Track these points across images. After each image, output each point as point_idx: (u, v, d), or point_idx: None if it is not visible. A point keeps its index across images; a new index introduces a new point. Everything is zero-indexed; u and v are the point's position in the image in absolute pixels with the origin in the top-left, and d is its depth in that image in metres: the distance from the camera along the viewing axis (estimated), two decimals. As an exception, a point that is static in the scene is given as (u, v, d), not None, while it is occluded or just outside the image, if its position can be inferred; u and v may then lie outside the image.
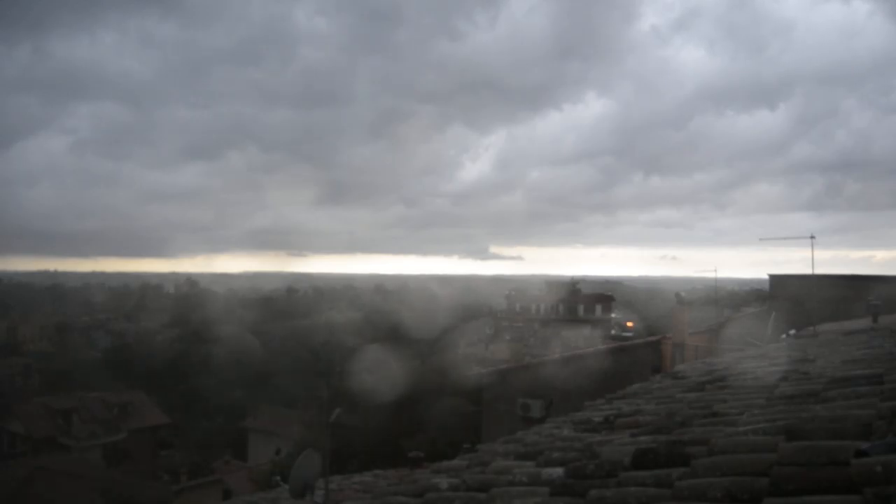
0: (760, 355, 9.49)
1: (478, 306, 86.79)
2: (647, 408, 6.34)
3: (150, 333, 71.30)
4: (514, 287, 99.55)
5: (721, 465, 3.35)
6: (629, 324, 58.85)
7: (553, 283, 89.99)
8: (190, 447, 47.50)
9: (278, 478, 12.78)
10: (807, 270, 22.50)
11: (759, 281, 26.08)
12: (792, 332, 14.05)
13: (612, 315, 77.69)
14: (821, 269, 22.48)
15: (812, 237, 23.20)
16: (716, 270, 35.28)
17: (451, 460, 6.47)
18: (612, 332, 59.04)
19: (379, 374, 36.67)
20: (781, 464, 3.07)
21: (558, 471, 4.23)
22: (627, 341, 27.89)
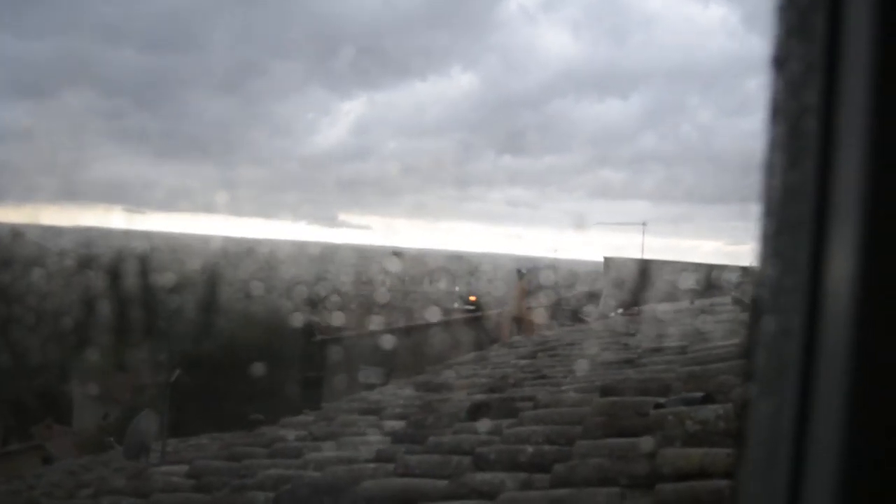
0: (589, 329, 10.29)
1: (323, 274, 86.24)
2: (484, 372, 6.82)
3: (-35, 287, 65.71)
4: (361, 256, 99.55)
5: (544, 416, 3.80)
6: (472, 297, 60.32)
7: (400, 255, 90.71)
8: (4, 412, 44.45)
9: (112, 439, 12.39)
10: (638, 255, 24.16)
11: (596, 262, 27.55)
12: (620, 310, 15.13)
13: (456, 289, 79.33)
14: (653, 255, 24.18)
15: (644, 224, 24.92)
16: (556, 251, 36.81)
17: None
18: (455, 304, 60.38)
19: (219, 338, 35.79)
20: (593, 415, 3.54)
21: (400, 423, 4.56)
22: (469, 314, 28.75)
